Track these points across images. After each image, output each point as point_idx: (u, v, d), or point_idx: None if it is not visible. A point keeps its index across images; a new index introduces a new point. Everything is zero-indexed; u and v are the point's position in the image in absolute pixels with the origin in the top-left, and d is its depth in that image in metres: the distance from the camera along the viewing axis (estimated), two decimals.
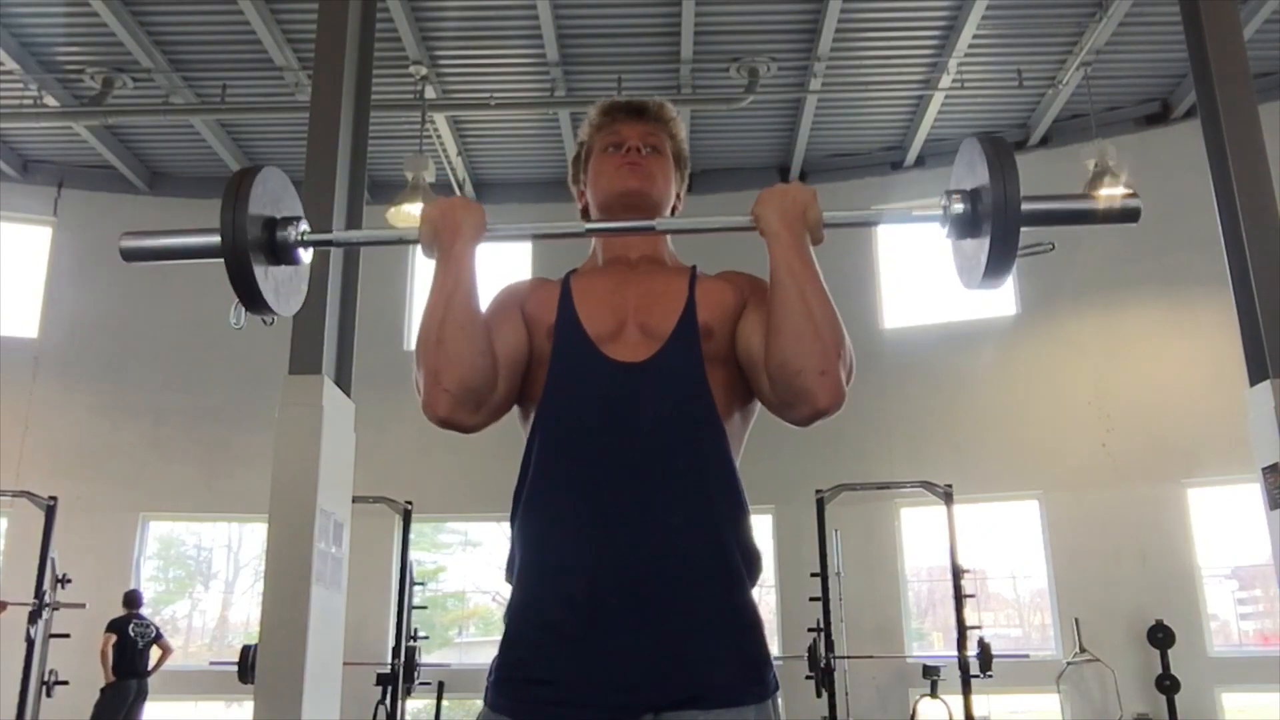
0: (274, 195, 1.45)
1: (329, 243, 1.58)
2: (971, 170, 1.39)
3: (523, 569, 1.37)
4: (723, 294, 1.48)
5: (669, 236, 1.62)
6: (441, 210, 1.42)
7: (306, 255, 1.51)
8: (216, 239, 1.38)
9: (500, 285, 1.57)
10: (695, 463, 1.35)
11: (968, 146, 1.40)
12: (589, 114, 1.64)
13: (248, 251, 1.37)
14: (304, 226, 1.47)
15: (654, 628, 1.27)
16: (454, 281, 1.38)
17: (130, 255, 1.49)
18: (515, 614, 1.36)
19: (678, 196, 1.65)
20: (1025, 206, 1.32)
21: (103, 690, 7.79)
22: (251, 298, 1.41)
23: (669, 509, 1.32)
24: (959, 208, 1.40)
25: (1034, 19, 7.83)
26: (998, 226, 1.31)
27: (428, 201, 8.02)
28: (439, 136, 9.11)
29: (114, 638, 7.87)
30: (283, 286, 1.48)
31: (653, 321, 1.43)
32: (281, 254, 1.45)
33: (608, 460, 1.34)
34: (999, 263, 1.33)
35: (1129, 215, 1.43)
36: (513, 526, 1.41)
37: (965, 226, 1.40)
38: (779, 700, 1.35)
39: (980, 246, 1.36)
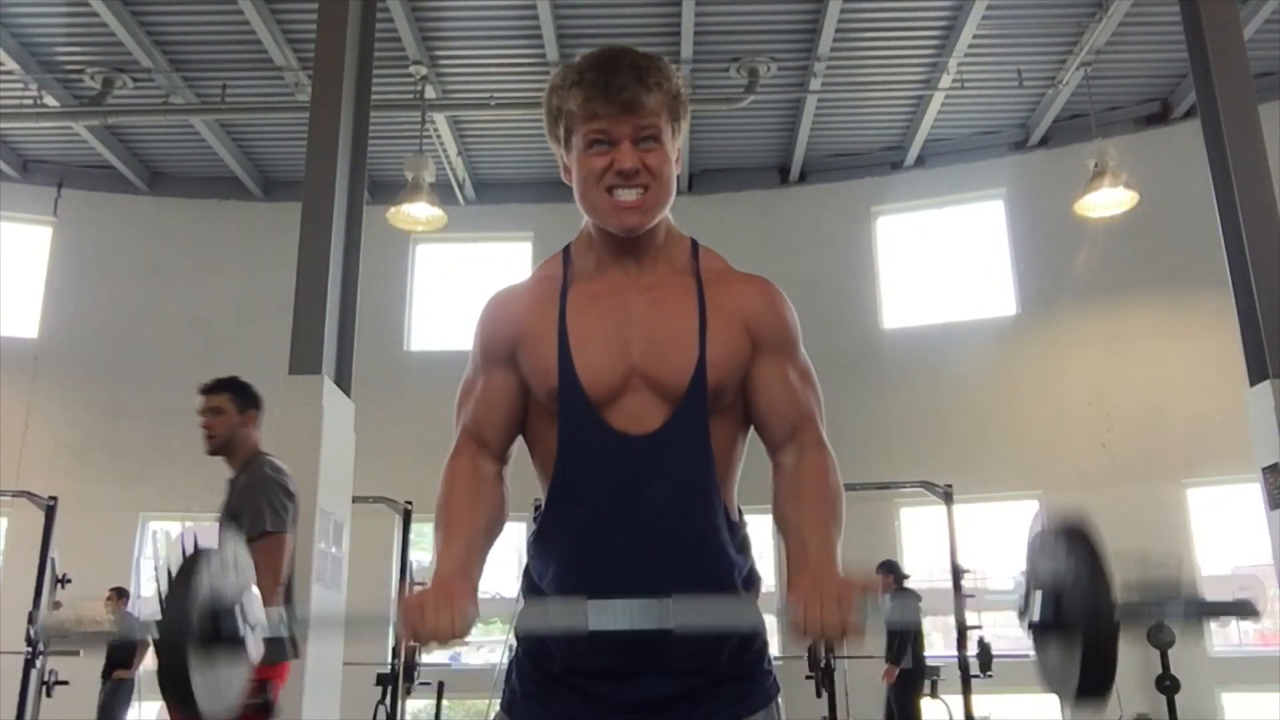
0: (229, 571, 1.24)
1: (281, 639, 1.27)
2: (1051, 557, 1.18)
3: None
4: (735, 339, 1.40)
5: (669, 215, 1.46)
6: (422, 629, 1.26)
7: (257, 646, 1.27)
8: (152, 635, 1.16)
9: (495, 288, 1.53)
10: (700, 528, 1.39)
11: (1045, 533, 1.20)
12: (568, 88, 1.43)
13: (186, 659, 1.15)
14: (256, 612, 1.26)
15: (676, 683, 1.35)
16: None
17: (56, 642, 1.27)
18: (535, 658, 1.42)
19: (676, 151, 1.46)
20: (1122, 613, 1.11)
21: (124, 684, 7.78)
22: (183, 703, 1.16)
23: (680, 573, 1.36)
24: (1038, 608, 1.18)
25: (1034, 19, 7.83)
26: (1091, 641, 1.10)
27: (428, 201, 8.02)
28: (439, 136, 9.11)
29: None
30: (222, 683, 1.23)
31: (661, 376, 1.37)
32: (229, 648, 1.22)
33: (617, 535, 1.37)
34: (1095, 683, 1.14)
35: (1247, 611, 1.20)
36: (529, 556, 1.47)
37: (1048, 628, 1.19)
38: (780, 701, 1.42)
39: (1069, 657, 1.15)
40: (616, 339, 1.38)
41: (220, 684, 1.21)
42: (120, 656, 7.82)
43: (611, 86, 1.35)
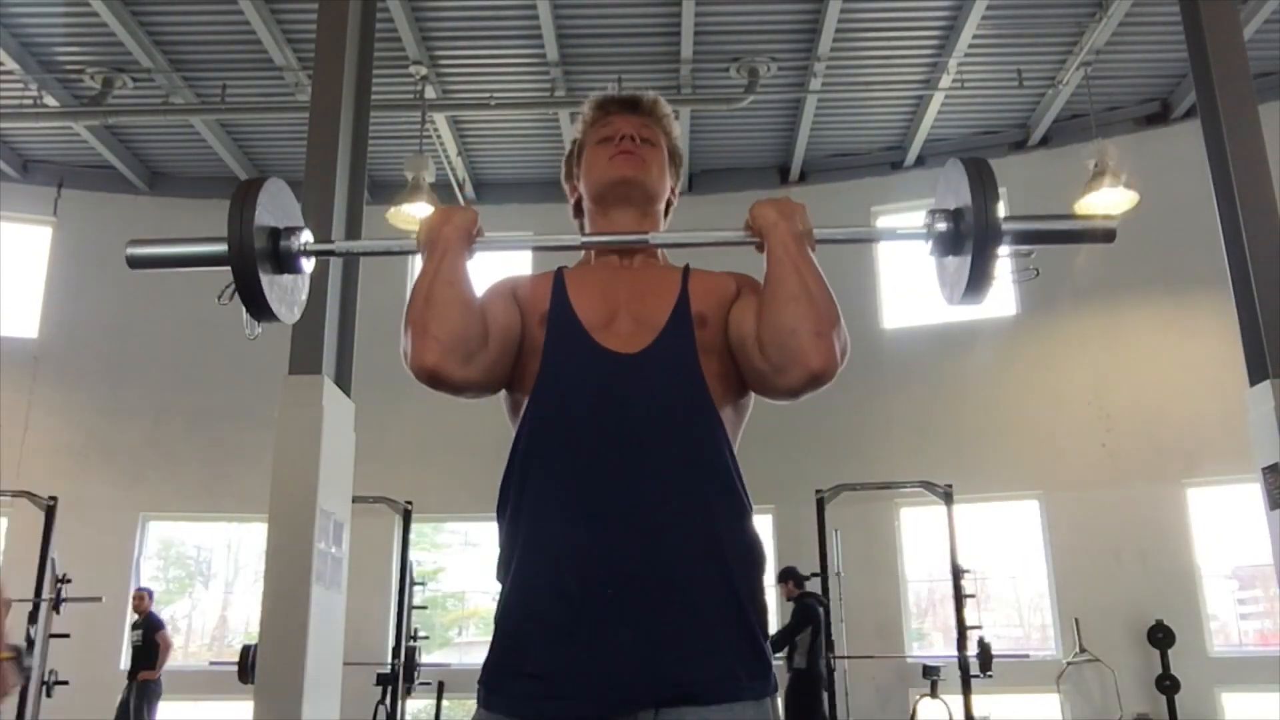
0: (278, 205, 1.50)
1: (330, 253, 1.68)
2: (954, 190, 1.43)
3: (513, 562, 1.35)
4: (716, 285, 1.49)
5: (663, 228, 1.63)
6: (434, 220, 1.48)
7: (309, 264, 1.56)
8: (223, 248, 1.42)
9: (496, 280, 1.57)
10: (689, 453, 1.34)
11: (951, 167, 1.45)
12: (583, 110, 1.65)
13: (254, 260, 1.42)
14: (306, 236, 1.52)
15: (648, 621, 1.26)
16: (440, 256, 1.42)
17: (136, 263, 1.51)
18: (506, 607, 1.34)
19: (672, 191, 1.64)
20: (1006, 226, 1.38)
21: (150, 684, 7.83)
22: (257, 306, 1.45)
23: (662, 499, 1.30)
24: (942, 226, 1.44)
25: (1034, 19, 7.83)
26: (979, 245, 1.36)
27: (429, 201, 8.04)
28: (439, 136, 9.11)
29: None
30: (286, 295, 1.53)
31: (646, 312, 1.43)
32: (285, 263, 1.50)
33: (600, 450, 1.32)
34: (979, 280, 1.40)
35: (1106, 236, 1.51)
36: (500, 519, 1.39)
37: (948, 244, 1.45)
38: (777, 700, 1.33)
39: (962, 264, 1.41)
40: (606, 288, 1.48)
41: (283, 290, 1.50)
42: (144, 657, 7.85)
43: (620, 96, 1.62)
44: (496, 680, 1.31)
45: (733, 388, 1.43)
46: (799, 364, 1.32)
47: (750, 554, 1.35)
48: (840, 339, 1.34)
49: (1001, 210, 1.39)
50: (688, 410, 1.36)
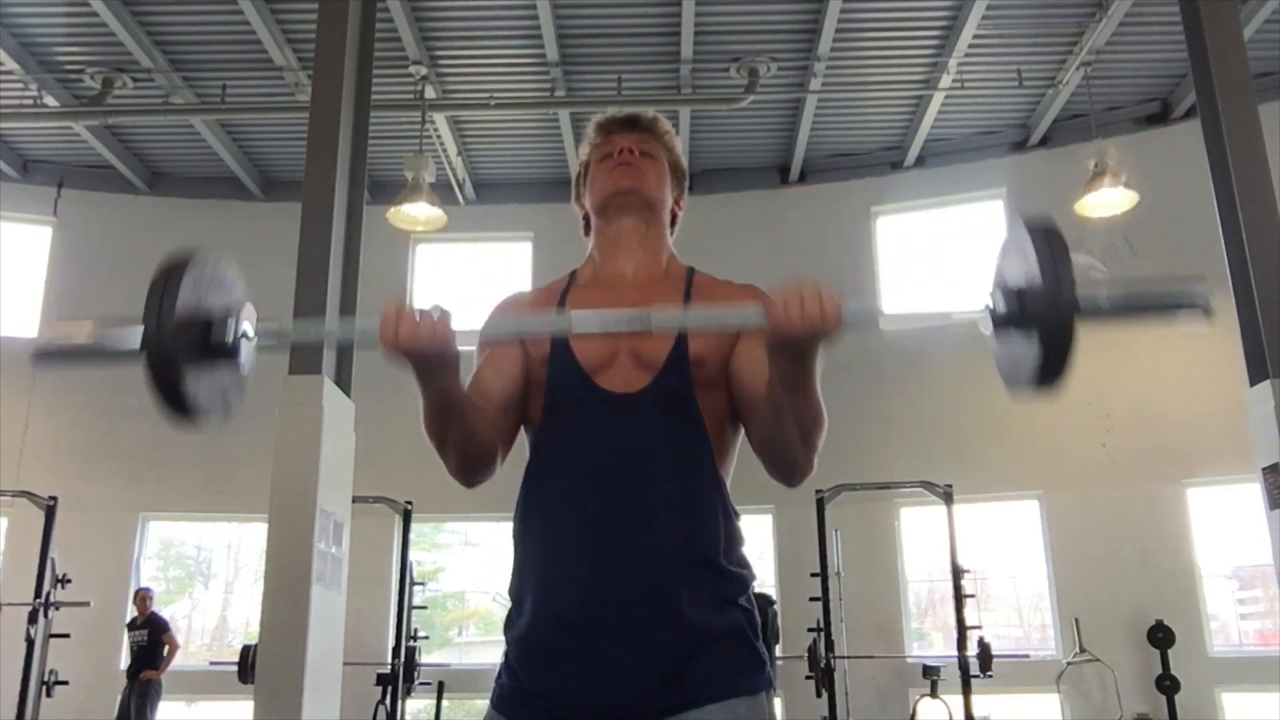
0: (212, 282, 1.24)
1: (278, 339, 1.33)
2: (1021, 260, 1.23)
3: (522, 588, 1.44)
4: None
5: (669, 238, 1.65)
6: (401, 342, 1.24)
7: (249, 353, 1.28)
8: (135, 344, 1.16)
9: (502, 290, 1.62)
10: (687, 487, 1.41)
11: (1016, 232, 1.24)
12: (587, 133, 1.70)
13: (173, 360, 1.17)
14: (245, 324, 1.25)
15: (646, 642, 1.33)
16: (443, 406, 1.37)
17: (43, 362, 1.28)
18: (515, 631, 1.43)
19: (676, 203, 1.69)
20: (1085, 305, 1.17)
21: (154, 684, 7.86)
22: (178, 409, 1.20)
23: (660, 532, 1.38)
24: (1004, 308, 1.25)
25: (1034, 19, 7.83)
26: (1050, 330, 1.17)
27: (428, 201, 8.04)
28: (439, 136, 9.11)
29: None
30: (222, 390, 1.28)
31: (645, 350, 1.46)
32: (220, 355, 1.24)
33: (602, 487, 1.40)
34: (1052, 368, 1.19)
35: (1202, 311, 1.21)
36: (514, 544, 1.49)
37: (1012, 324, 1.25)
38: (773, 697, 1.40)
39: (1029, 347, 1.22)
40: None
41: (214, 391, 1.25)
42: (148, 658, 7.86)
43: (620, 116, 1.67)
44: (509, 698, 1.40)
45: (729, 418, 1.50)
46: (780, 480, 1.45)
47: (745, 573, 1.44)
48: (817, 451, 1.40)
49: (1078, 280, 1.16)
50: (685, 447, 1.43)
